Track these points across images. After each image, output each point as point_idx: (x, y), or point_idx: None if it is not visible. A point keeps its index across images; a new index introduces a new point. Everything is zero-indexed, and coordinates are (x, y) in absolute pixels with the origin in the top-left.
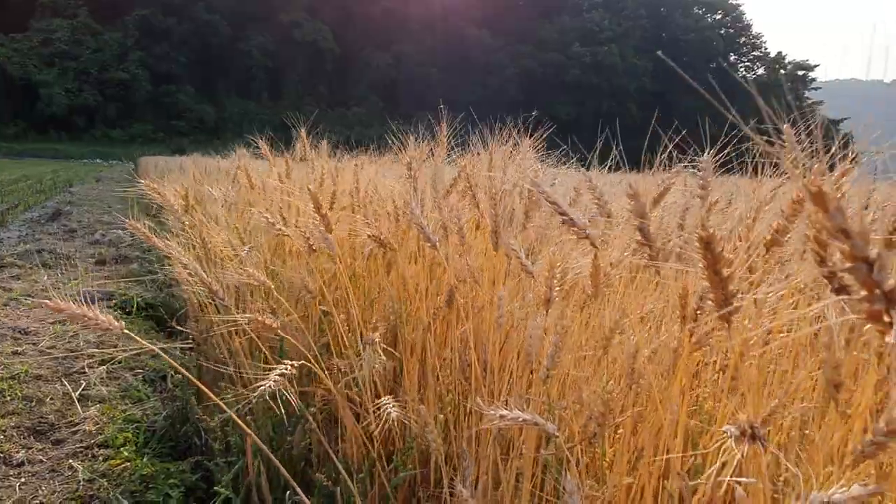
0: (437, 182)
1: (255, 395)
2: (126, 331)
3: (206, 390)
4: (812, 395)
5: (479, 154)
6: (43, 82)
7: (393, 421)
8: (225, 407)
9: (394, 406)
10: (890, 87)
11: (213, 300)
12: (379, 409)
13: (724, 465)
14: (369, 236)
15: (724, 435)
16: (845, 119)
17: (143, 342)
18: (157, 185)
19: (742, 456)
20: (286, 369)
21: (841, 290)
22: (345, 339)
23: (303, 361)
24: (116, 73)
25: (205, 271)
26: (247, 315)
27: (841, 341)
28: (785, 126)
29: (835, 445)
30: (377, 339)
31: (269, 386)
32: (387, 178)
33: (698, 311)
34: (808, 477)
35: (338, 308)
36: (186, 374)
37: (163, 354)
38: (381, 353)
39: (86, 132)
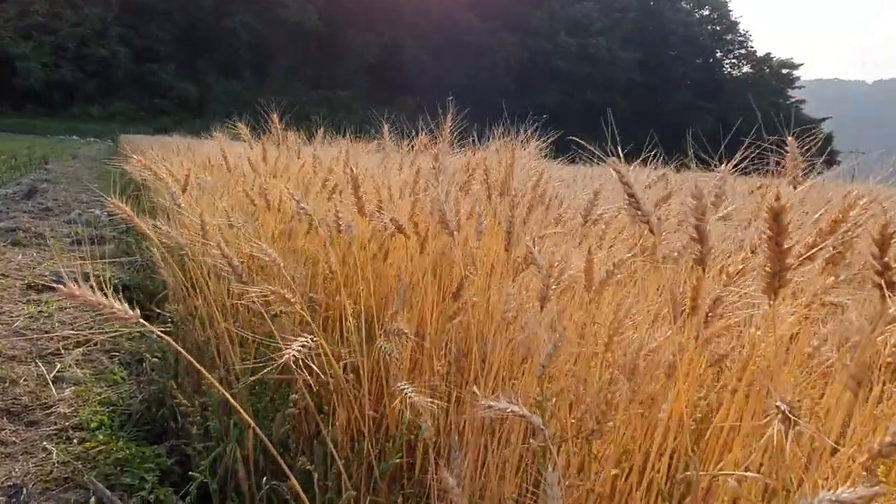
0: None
1: (282, 360)
2: (142, 321)
3: (201, 369)
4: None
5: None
6: (20, 55)
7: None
8: (218, 385)
9: (411, 391)
10: (872, 88)
11: (195, 283)
12: (393, 393)
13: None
14: (392, 220)
15: (775, 409)
16: (827, 118)
17: (155, 329)
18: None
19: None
20: (307, 340)
21: (891, 285)
22: (346, 324)
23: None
24: (96, 49)
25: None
26: (261, 286)
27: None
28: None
29: (849, 444)
30: (405, 330)
31: (294, 354)
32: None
33: (710, 315)
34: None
35: (346, 289)
36: (184, 353)
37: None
38: (406, 343)
39: (64, 108)
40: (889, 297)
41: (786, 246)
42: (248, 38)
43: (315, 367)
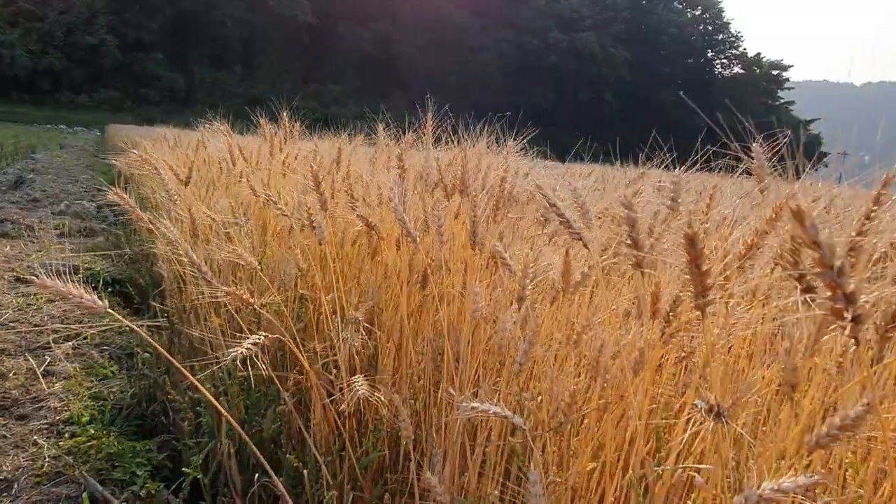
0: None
1: (227, 360)
2: (110, 310)
3: (182, 369)
4: (766, 391)
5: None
6: (6, 43)
7: (365, 404)
8: (200, 387)
9: (363, 384)
10: (860, 90)
11: (194, 276)
12: (350, 386)
13: (686, 454)
14: (359, 216)
15: (693, 410)
16: (816, 120)
17: (135, 327)
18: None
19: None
20: (259, 339)
21: (808, 290)
22: (329, 320)
23: (280, 338)
24: (83, 38)
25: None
26: (224, 288)
27: (800, 346)
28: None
29: (788, 438)
30: (360, 318)
31: (242, 353)
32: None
33: (671, 314)
34: (761, 468)
35: (325, 290)
36: (165, 352)
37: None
38: (363, 332)
39: (50, 97)
40: (808, 301)
41: (704, 268)
42: (239, 29)
43: (303, 363)
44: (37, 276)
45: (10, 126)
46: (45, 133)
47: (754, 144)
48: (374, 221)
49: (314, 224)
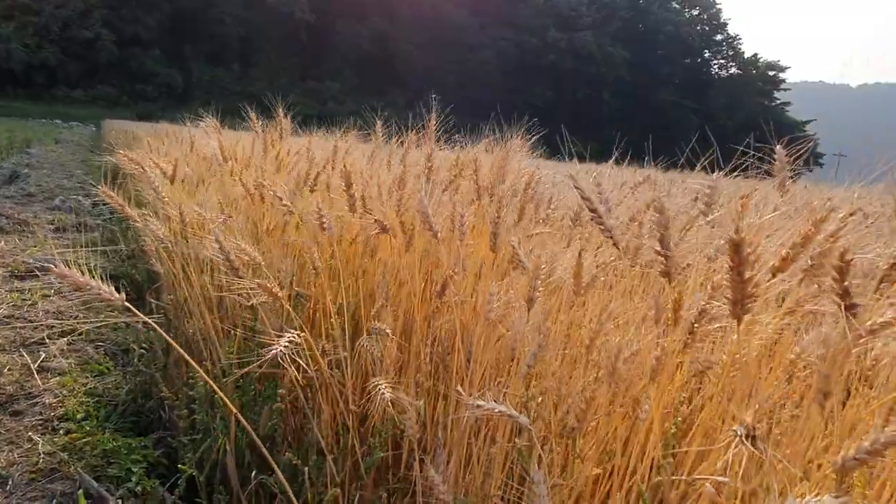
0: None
1: (268, 356)
2: (127, 304)
3: (192, 363)
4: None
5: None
6: (1, 36)
7: (374, 403)
8: (209, 380)
9: (386, 388)
10: (856, 91)
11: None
12: (372, 390)
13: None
14: (376, 221)
15: (731, 434)
16: (812, 121)
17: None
18: None
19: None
20: (294, 336)
21: (851, 307)
22: (332, 320)
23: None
24: (80, 32)
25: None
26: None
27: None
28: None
29: (809, 453)
30: (387, 330)
31: (281, 350)
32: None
33: (695, 325)
34: (783, 484)
35: (329, 286)
36: (175, 345)
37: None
38: (389, 343)
39: (46, 91)
40: (849, 317)
41: (747, 276)
42: (237, 27)
43: (301, 363)
44: (54, 265)
45: (5, 120)
46: (41, 128)
47: (778, 147)
48: (386, 223)
49: (325, 225)
